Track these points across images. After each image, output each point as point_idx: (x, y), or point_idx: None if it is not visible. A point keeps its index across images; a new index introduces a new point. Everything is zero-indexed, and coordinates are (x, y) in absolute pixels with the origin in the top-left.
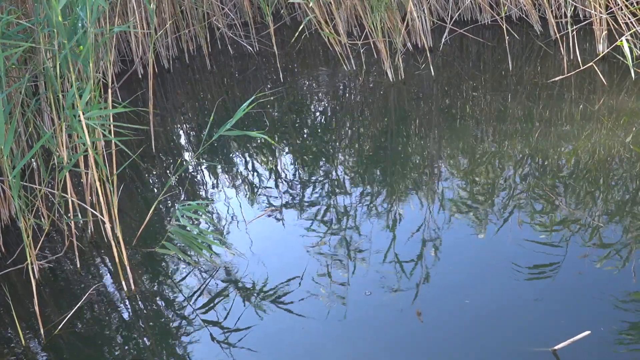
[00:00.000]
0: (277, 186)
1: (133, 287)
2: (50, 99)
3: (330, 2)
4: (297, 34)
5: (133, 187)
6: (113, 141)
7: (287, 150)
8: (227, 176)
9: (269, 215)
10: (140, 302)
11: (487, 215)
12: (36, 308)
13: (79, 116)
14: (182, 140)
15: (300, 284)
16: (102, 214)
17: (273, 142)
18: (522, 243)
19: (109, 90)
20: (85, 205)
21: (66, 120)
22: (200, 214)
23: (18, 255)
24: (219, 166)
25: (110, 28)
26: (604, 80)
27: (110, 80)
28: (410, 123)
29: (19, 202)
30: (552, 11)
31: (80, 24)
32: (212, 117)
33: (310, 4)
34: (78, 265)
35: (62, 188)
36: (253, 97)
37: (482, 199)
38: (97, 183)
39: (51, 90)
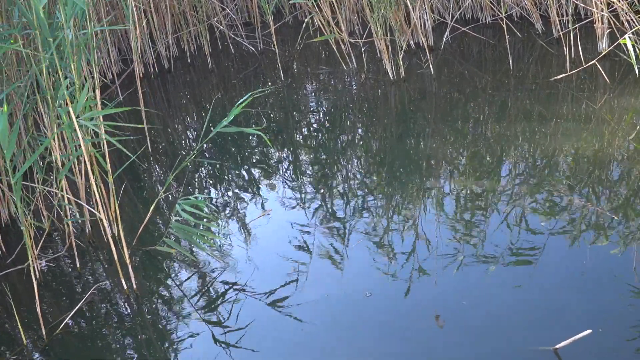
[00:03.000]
0: (277, 185)
1: (134, 286)
2: (46, 99)
3: (333, 1)
4: (302, 36)
5: (131, 187)
6: (105, 141)
7: (287, 149)
8: (226, 176)
9: (268, 214)
10: (140, 302)
11: (487, 215)
12: (37, 308)
13: (69, 116)
14: (182, 140)
15: (300, 284)
16: (100, 213)
17: (267, 139)
18: (523, 242)
19: (97, 91)
20: (84, 205)
21: (58, 118)
22: (201, 208)
23: (18, 254)
24: (219, 166)
25: (92, 28)
26: (606, 78)
27: (97, 81)
28: (411, 122)
29: (20, 204)
30: (554, 10)
31: (56, 25)
32: (208, 115)
33: (310, 3)
34: (78, 265)
35: (62, 188)
36: (249, 95)
37: (482, 197)
38: (93, 183)
39: (46, 90)
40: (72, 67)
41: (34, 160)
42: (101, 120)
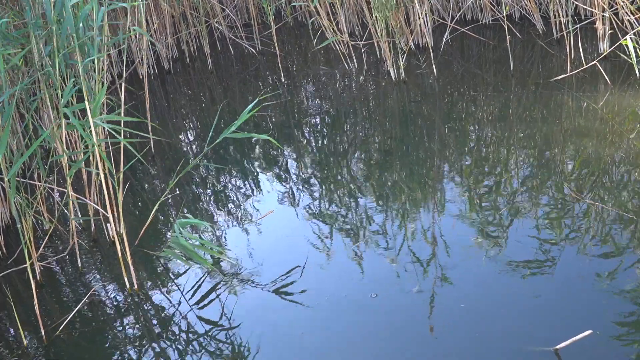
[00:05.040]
0: (279, 186)
1: (136, 285)
2: (51, 99)
3: (333, 2)
4: (307, 40)
5: (133, 188)
6: (110, 142)
7: (289, 151)
8: (228, 177)
9: (271, 213)
10: (142, 302)
11: (487, 216)
12: (36, 309)
13: (86, 116)
14: (182, 142)
15: (303, 285)
16: (107, 212)
17: (277, 144)
18: (523, 244)
19: (123, 87)
20: (92, 204)
21: (65, 118)
22: (200, 228)
23: (19, 255)
24: (221, 166)
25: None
26: (607, 78)
27: (114, 79)
28: (412, 122)
29: (18, 202)
30: (554, 10)
31: (84, 26)
32: (215, 119)
33: (313, 5)
34: (80, 265)
35: (65, 187)
36: (257, 100)
37: (483, 199)
38: (104, 181)
39: (51, 90)
40: (97, 67)
41: (37, 161)
42: (122, 122)
